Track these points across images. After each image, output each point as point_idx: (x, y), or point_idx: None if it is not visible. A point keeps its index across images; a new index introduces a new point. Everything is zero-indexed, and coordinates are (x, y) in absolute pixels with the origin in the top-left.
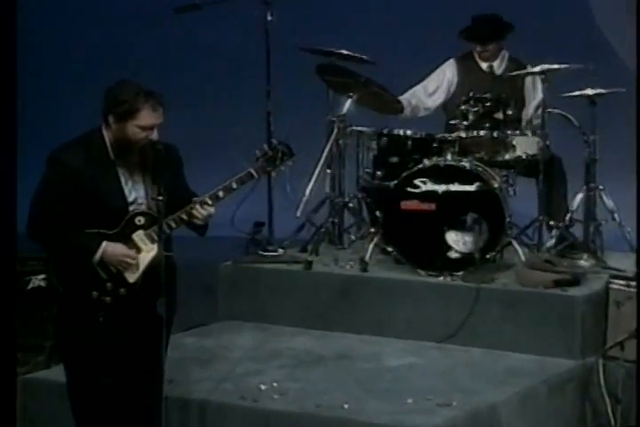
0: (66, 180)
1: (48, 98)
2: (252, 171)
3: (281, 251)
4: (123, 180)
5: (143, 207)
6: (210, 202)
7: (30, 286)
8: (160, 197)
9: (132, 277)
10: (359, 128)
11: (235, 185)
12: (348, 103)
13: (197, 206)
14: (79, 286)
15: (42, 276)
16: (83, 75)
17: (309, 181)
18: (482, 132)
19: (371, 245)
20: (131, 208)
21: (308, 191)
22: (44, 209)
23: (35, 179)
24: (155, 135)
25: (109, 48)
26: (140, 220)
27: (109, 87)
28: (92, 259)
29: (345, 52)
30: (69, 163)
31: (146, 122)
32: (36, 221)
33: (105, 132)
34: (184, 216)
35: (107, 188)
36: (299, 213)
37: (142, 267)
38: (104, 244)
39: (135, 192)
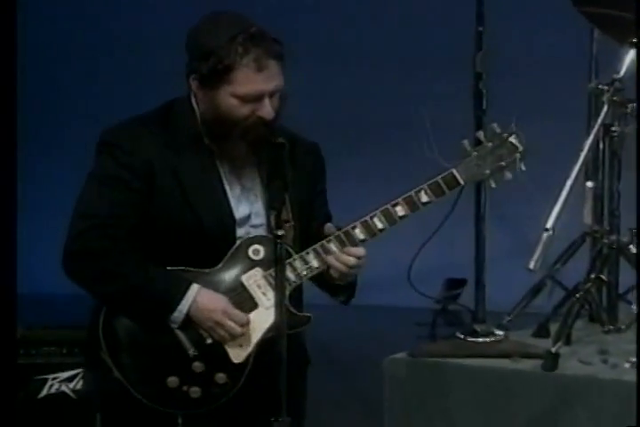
0: (132, 176)
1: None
2: (456, 172)
3: (500, 333)
4: (226, 182)
5: (262, 230)
6: (362, 235)
7: (45, 392)
8: (288, 223)
9: (238, 355)
10: None
11: (424, 197)
12: (629, 57)
13: (331, 243)
14: (146, 365)
15: (67, 373)
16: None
17: (554, 203)
18: None
19: None
20: (240, 231)
21: (550, 224)
22: (93, 226)
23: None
24: (267, 111)
25: None
26: (258, 251)
27: (194, 26)
28: (171, 316)
29: None
30: (137, 148)
31: (246, 88)
32: (80, 245)
33: (195, 104)
34: (321, 253)
35: (201, 192)
36: (532, 265)
37: (257, 336)
38: (194, 289)
39: (248, 204)
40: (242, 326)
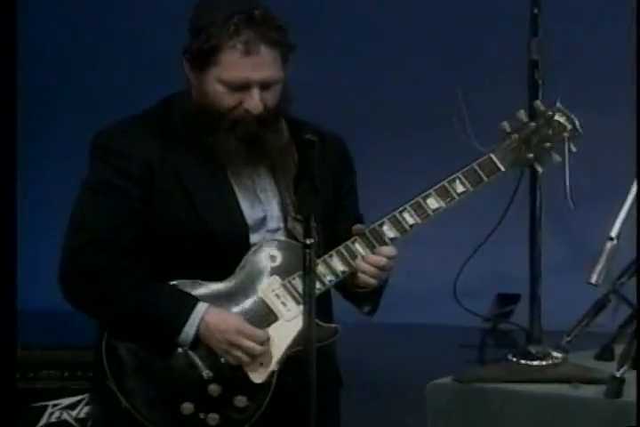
0: (129, 182)
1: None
2: (494, 156)
3: (558, 356)
4: (234, 183)
5: (279, 235)
6: (391, 233)
7: (44, 420)
8: (314, 224)
9: (259, 374)
10: None
11: (460, 187)
12: None
13: (356, 244)
14: (156, 392)
15: (69, 400)
16: None
17: (619, 208)
18: None
19: None
20: (255, 237)
21: (614, 232)
22: (88, 241)
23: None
24: (254, 104)
25: None
26: (275, 258)
27: (198, 1)
28: (177, 338)
29: None
30: (132, 149)
31: (231, 74)
32: (74, 264)
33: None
34: (346, 255)
35: (207, 195)
36: (594, 279)
37: (280, 352)
38: (201, 308)
39: (261, 206)
40: (261, 344)
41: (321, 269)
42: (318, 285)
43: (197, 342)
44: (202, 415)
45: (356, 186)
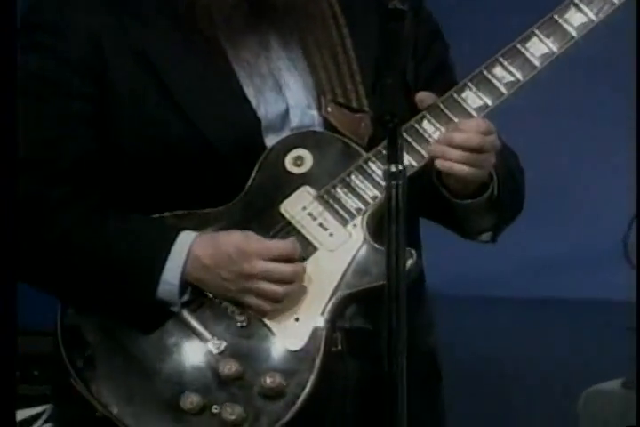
0: (68, 71)
1: None
2: None
3: None
4: (232, 60)
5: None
6: (478, 99)
7: None
8: (359, 113)
9: (295, 337)
10: None
11: (578, 17)
12: None
13: (424, 121)
14: (144, 385)
15: (27, 412)
16: None
17: None
18: None
19: None
20: (273, 140)
21: None
22: (20, 164)
23: None
24: None
25: None
26: (302, 160)
27: None
28: (158, 290)
29: None
30: (68, 18)
31: None
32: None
33: None
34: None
35: (192, 84)
36: None
37: (323, 299)
38: (185, 239)
39: (276, 94)
40: (288, 259)
41: (374, 167)
42: (376, 191)
43: (192, 295)
44: (215, 409)
45: (448, 64)
